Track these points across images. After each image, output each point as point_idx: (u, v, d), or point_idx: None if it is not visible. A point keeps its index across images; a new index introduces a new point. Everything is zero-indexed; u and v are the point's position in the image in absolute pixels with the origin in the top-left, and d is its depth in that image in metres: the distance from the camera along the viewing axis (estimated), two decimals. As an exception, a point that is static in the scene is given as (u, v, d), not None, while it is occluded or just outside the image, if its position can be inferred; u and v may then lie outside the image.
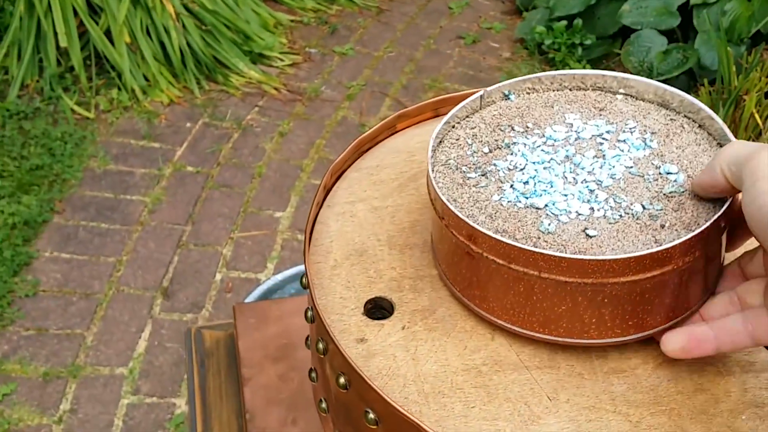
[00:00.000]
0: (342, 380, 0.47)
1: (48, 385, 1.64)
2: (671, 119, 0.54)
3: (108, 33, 2.31)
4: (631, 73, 2.34)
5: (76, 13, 2.29)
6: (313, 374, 0.55)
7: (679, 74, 2.24)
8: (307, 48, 2.65)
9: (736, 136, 1.81)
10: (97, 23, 2.32)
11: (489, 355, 0.48)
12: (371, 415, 0.45)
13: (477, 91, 0.61)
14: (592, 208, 0.48)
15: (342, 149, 2.35)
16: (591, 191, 0.49)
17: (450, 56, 2.66)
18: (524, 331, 0.48)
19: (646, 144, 0.52)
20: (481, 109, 0.58)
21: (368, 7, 2.86)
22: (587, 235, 0.46)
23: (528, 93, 0.59)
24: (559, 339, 0.47)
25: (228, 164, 2.19)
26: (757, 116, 2.00)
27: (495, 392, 0.46)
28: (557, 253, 0.43)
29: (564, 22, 2.58)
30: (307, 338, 0.57)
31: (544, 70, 2.59)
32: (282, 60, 2.56)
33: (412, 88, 2.50)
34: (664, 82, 2.11)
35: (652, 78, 2.24)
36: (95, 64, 2.35)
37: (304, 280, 0.52)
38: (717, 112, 2.04)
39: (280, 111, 2.38)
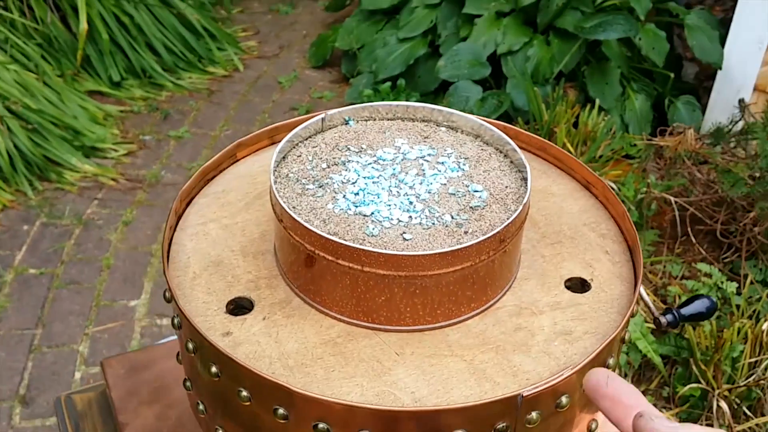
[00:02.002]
0: (213, 369, 0.50)
1: None
2: (482, 149, 0.64)
3: (-74, 144, 2.22)
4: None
5: None
6: (188, 383, 0.58)
7: (497, 117, 2.44)
8: (140, 136, 2.65)
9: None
10: None
11: (343, 328, 0.54)
12: (243, 393, 0.49)
13: (318, 114, 0.68)
14: (410, 217, 0.55)
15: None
16: (411, 203, 0.56)
17: (285, 128, 2.75)
18: (350, 320, 0.54)
19: (459, 167, 0.61)
20: (323, 131, 0.65)
21: (198, 90, 2.91)
22: (404, 238, 0.53)
23: (365, 120, 0.67)
24: (380, 326, 0.54)
25: (73, 261, 2.13)
26: (569, 145, 2.22)
27: (350, 356, 0.52)
28: (377, 249, 0.50)
29: (388, 84, 2.74)
30: (177, 354, 0.60)
31: (376, 130, 2.73)
32: (116, 150, 2.54)
33: (252, 161, 2.56)
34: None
35: (473, 123, 2.43)
36: None
37: (167, 293, 0.55)
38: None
39: (121, 201, 2.36)
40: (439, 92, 2.75)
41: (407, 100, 2.72)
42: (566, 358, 0.52)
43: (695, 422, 1.57)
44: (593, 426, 0.56)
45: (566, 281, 0.58)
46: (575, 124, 2.31)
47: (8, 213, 2.27)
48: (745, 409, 1.55)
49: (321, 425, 0.47)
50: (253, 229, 0.62)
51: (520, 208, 0.54)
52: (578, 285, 0.58)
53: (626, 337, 0.57)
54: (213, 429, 0.56)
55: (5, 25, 2.60)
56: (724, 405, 1.52)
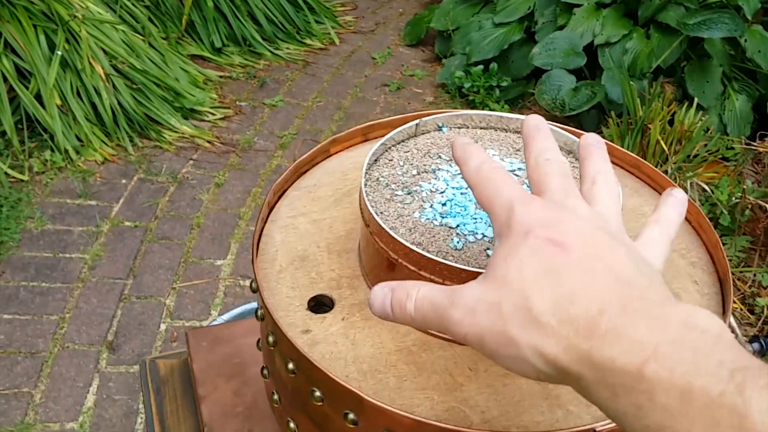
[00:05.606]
0: (290, 366, 0.54)
1: (-5, 446, 1.63)
2: (574, 165, 0.62)
3: (38, 96, 2.35)
4: (545, 110, 2.48)
5: (5, 78, 2.33)
6: (265, 371, 0.62)
7: (589, 109, 2.40)
8: (237, 101, 2.73)
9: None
10: (27, 87, 2.35)
11: (418, 337, 0.56)
12: (317, 393, 0.52)
13: (410, 116, 0.70)
14: None
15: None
16: None
17: (377, 103, 2.78)
18: (428, 329, 0.56)
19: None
20: (416, 135, 0.67)
21: (294, 60, 2.96)
22: (488, 254, 0.54)
23: (458, 128, 0.68)
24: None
25: (166, 217, 2.23)
26: (662, 142, 2.17)
27: (424, 367, 0.54)
28: (458, 265, 0.51)
29: (480, 67, 2.73)
30: (258, 341, 0.64)
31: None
32: (213, 114, 2.63)
33: (341, 134, 2.61)
34: (575, 117, 2.26)
35: (564, 113, 2.40)
36: (27, 127, 2.38)
37: (253, 284, 0.59)
38: (625, 142, 2.20)
39: (214, 163, 2.44)
40: (530, 78, 2.72)
41: (498, 85, 2.70)
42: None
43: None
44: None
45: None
46: (671, 122, 2.26)
47: (109, 166, 2.39)
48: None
49: (389, 434, 0.50)
50: (339, 227, 0.65)
51: None
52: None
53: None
54: (285, 420, 0.59)
55: (117, -15, 2.71)
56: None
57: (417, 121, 0.66)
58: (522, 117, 0.68)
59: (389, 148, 0.65)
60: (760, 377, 0.31)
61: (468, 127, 0.68)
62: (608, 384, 0.34)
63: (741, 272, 1.98)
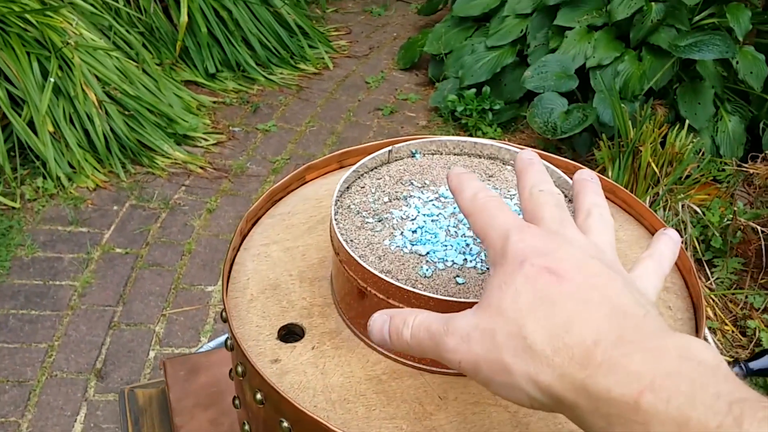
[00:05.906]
0: (258, 396, 0.53)
1: (-19, 477, 1.61)
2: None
3: (31, 123, 2.35)
4: (536, 133, 2.47)
5: (-2, 106, 2.33)
6: (237, 401, 0.61)
7: (581, 131, 2.40)
8: (230, 127, 2.73)
9: (635, 185, 1.94)
10: (19, 115, 2.35)
11: (388, 365, 0.55)
12: (285, 424, 0.51)
13: (384, 143, 0.69)
14: (465, 259, 0.56)
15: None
16: (467, 245, 0.57)
17: (370, 127, 2.78)
18: (397, 358, 0.55)
19: (521, 210, 0.60)
20: (389, 162, 0.66)
21: (288, 85, 2.97)
22: (457, 282, 0.54)
23: (432, 154, 0.68)
24: (426, 367, 0.55)
25: (157, 243, 2.22)
26: (653, 165, 2.17)
27: (393, 396, 0.53)
28: (426, 293, 0.51)
29: (473, 90, 2.74)
30: (230, 371, 0.63)
31: (458, 135, 2.73)
32: (206, 140, 2.63)
33: (334, 159, 2.61)
34: (566, 139, 2.24)
35: (556, 136, 2.40)
36: (19, 154, 2.38)
37: (223, 314, 0.58)
38: (616, 164, 2.20)
39: (206, 189, 2.44)
40: (523, 101, 2.73)
41: (491, 108, 2.71)
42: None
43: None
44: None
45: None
46: (662, 144, 2.26)
47: (100, 193, 2.39)
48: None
49: (357, 463, 0.49)
50: (312, 254, 0.64)
51: None
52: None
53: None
54: (258, 449, 0.58)
55: (110, 13, 2.73)
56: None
57: (390, 147, 0.66)
58: (496, 143, 0.68)
59: (362, 175, 0.64)
60: (758, 409, 0.30)
61: (441, 153, 0.68)
62: (603, 414, 0.34)
63: (733, 294, 1.97)
